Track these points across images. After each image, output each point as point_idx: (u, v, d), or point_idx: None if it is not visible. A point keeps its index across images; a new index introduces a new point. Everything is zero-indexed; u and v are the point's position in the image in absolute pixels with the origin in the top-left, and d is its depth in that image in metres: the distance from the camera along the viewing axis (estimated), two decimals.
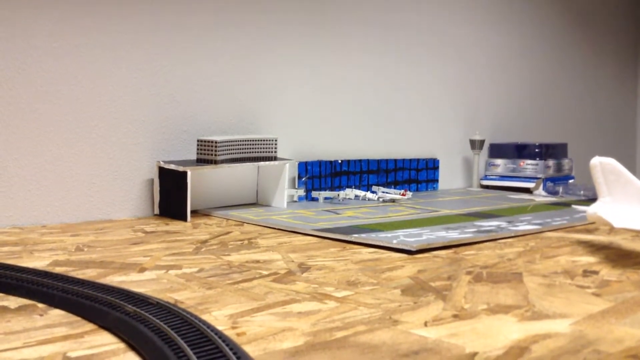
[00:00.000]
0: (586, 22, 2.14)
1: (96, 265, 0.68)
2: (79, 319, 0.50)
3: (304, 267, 0.70)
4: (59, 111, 0.97)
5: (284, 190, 1.15)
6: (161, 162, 1.04)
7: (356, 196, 1.28)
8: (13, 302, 0.55)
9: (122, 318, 0.47)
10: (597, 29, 2.20)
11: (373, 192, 1.33)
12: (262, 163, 1.12)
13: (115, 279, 0.63)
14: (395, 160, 1.45)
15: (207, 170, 1.09)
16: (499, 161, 1.63)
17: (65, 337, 0.46)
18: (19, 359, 0.41)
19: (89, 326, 0.49)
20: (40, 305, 0.54)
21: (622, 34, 2.33)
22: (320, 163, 1.29)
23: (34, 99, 0.95)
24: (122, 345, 0.45)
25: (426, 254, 0.79)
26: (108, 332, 0.47)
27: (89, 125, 1.01)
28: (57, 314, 0.52)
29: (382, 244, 0.83)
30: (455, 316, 0.53)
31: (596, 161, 0.82)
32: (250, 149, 1.11)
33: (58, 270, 0.65)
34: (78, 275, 0.63)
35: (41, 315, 0.51)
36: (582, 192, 1.47)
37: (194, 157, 1.12)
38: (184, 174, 1.00)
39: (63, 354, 0.42)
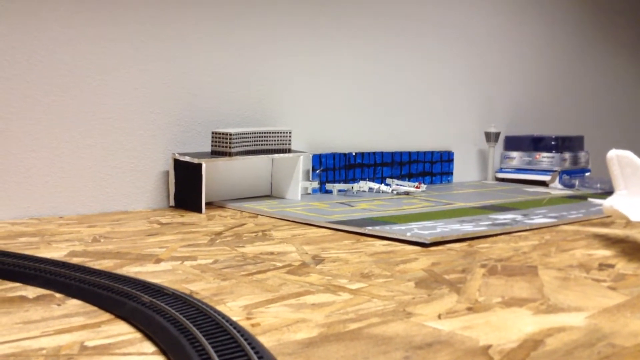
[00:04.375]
0: (603, 13, 2.12)
1: (112, 256, 0.69)
2: (95, 308, 0.51)
3: (317, 259, 0.70)
4: (75, 104, 0.98)
5: (298, 183, 1.15)
6: (176, 154, 1.05)
7: (370, 189, 1.28)
8: (31, 291, 0.55)
9: (138, 308, 0.48)
10: (613, 20, 2.17)
11: (387, 184, 1.33)
12: (276, 155, 1.13)
13: (131, 270, 0.63)
14: (410, 153, 1.45)
15: (222, 162, 1.10)
16: (514, 154, 1.62)
17: (83, 327, 0.46)
18: (37, 348, 0.42)
19: (106, 316, 0.49)
20: (57, 295, 0.55)
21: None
22: (334, 155, 1.29)
23: (50, 91, 0.96)
24: (138, 334, 0.45)
25: (440, 247, 0.78)
26: (124, 322, 0.48)
27: (105, 117, 1.02)
28: (74, 303, 0.52)
29: (396, 237, 0.83)
30: (469, 309, 0.53)
31: (613, 154, 0.81)
32: (264, 141, 1.12)
33: (75, 260, 0.66)
34: (95, 266, 0.64)
35: (59, 305, 0.52)
36: (598, 185, 1.45)
37: (208, 149, 1.12)
38: (199, 166, 1.01)
39: (80, 343, 0.43)
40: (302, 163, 1.16)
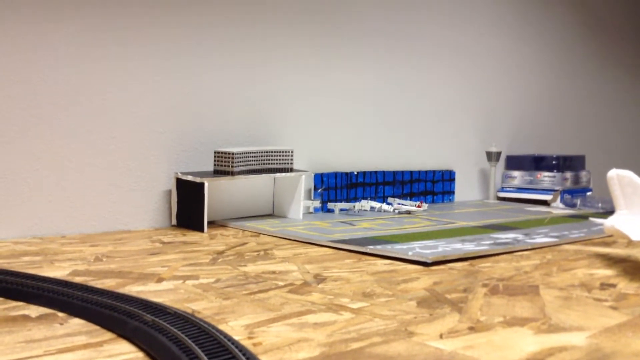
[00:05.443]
0: (604, 32, 2.14)
1: (115, 275, 0.69)
2: (98, 327, 0.51)
3: (319, 278, 0.70)
4: (79, 123, 0.99)
5: (299, 202, 1.16)
6: (179, 174, 1.06)
7: (372, 208, 1.28)
8: (34, 310, 0.55)
9: (141, 327, 0.48)
10: (615, 39, 2.19)
11: (389, 203, 1.33)
12: (278, 174, 1.13)
13: (133, 289, 0.63)
14: (411, 172, 1.45)
15: (224, 181, 1.10)
16: (515, 173, 1.63)
17: (85, 346, 0.47)
18: None
19: (108, 335, 0.49)
20: (60, 314, 0.55)
21: None
22: (336, 174, 1.30)
23: (54, 111, 0.97)
24: (140, 354, 0.45)
25: (442, 266, 0.79)
26: (126, 341, 0.48)
27: (108, 137, 1.02)
28: (76, 322, 0.52)
29: (397, 256, 0.83)
30: (471, 328, 0.53)
31: (613, 173, 0.82)
32: (266, 160, 1.12)
33: (78, 280, 0.66)
34: (97, 285, 0.64)
35: (61, 324, 0.52)
36: (600, 204, 1.45)
37: (211, 168, 1.13)
38: (201, 185, 1.01)
39: None
40: (304, 182, 1.17)
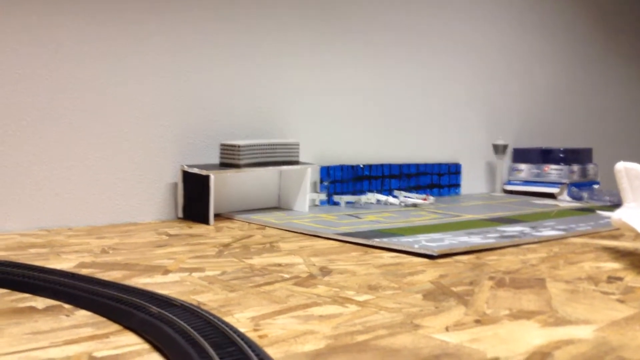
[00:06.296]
0: (612, 25, 2.12)
1: (121, 267, 0.70)
2: (104, 319, 0.51)
3: (325, 271, 0.70)
4: (85, 116, 0.99)
5: (305, 194, 1.16)
6: (185, 166, 1.06)
7: (378, 200, 1.28)
8: (41, 302, 0.56)
9: (147, 319, 0.48)
10: (622, 32, 2.17)
11: (395, 196, 1.33)
12: (284, 167, 1.13)
13: (139, 281, 0.64)
14: (418, 165, 1.45)
15: (230, 174, 1.10)
16: (522, 166, 1.62)
17: (91, 337, 0.47)
18: (45, 358, 0.42)
19: (114, 327, 0.49)
20: (66, 306, 0.55)
21: None
22: (342, 167, 1.29)
23: (61, 104, 0.97)
24: (146, 345, 0.45)
25: (448, 259, 0.78)
26: (133, 333, 0.48)
27: (114, 130, 1.02)
28: (83, 314, 0.53)
29: (403, 249, 0.83)
30: (477, 321, 0.52)
31: (621, 166, 0.81)
32: (272, 153, 1.12)
33: (84, 272, 0.67)
34: (103, 277, 0.64)
35: (67, 315, 0.52)
36: (607, 197, 1.45)
37: (217, 161, 1.13)
38: (207, 177, 1.01)
39: (89, 354, 0.43)
40: (310, 175, 1.16)
